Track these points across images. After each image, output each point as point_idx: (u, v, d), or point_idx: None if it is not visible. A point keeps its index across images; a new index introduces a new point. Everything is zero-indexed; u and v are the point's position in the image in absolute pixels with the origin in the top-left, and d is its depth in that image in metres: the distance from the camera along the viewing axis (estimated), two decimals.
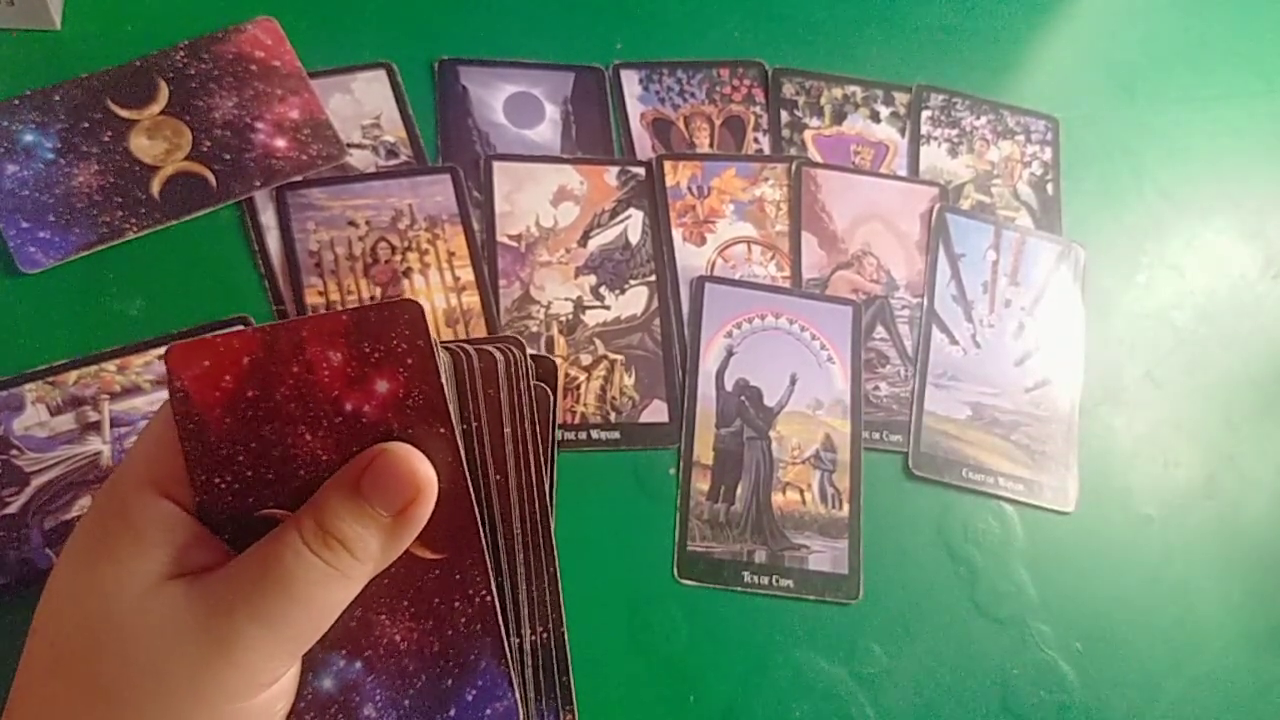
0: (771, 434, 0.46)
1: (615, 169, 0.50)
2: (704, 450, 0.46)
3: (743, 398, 0.47)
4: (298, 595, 0.25)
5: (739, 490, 0.45)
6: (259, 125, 0.47)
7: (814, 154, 0.53)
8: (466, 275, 0.46)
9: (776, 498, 0.45)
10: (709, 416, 0.46)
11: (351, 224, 0.46)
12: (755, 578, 0.44)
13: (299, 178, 0.46)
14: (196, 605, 0.25)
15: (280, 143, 0.47)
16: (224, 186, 0.46)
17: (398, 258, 0.46)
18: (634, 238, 0.49)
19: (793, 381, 0.47)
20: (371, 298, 0.45)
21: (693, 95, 0.53)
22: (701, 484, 0.45)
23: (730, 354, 0.47)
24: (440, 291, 0.46)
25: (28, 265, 0.43)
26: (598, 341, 0.47)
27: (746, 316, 0.48)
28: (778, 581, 0.44)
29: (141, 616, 0.25)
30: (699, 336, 0.47)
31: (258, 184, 0.46)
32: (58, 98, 0.46)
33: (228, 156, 0.46)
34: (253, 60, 0.48)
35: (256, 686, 0.25)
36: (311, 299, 0.45)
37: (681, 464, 0.45)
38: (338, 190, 0.47)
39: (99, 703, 0.25)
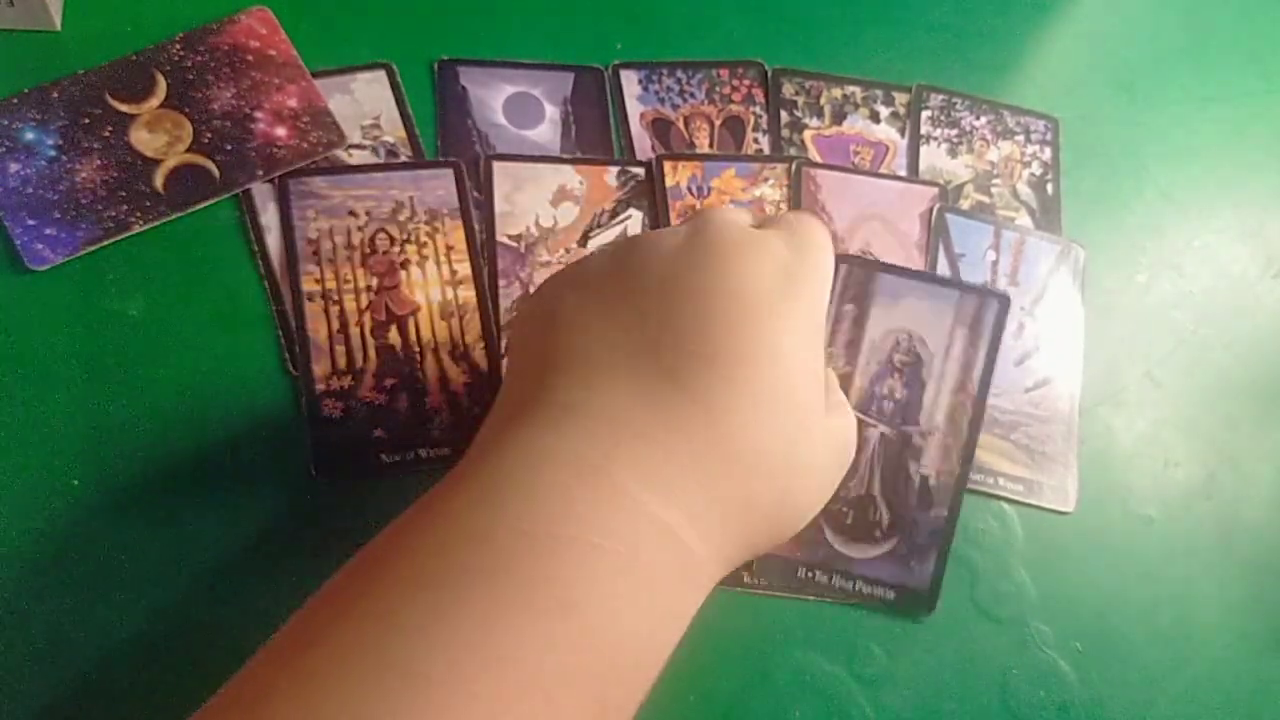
0: None
1: (615, 169, 0.50)
2: None
3: None
4: None
5: None
6: (258, 114, 0.47)
7: (814, 154, 0.53)
8: (463, 269, 0.46)
9: None
10: None
11: (352, 214, 0.46)
12: (755, 578, 0.44)
13: (301, 165, 0.46)
14: None
15: (280, 131, 0.47)
16: (227, 177, 0.46)
17: (396, 249, 0.46)
18: None
19: None
20: (368, 288, 0.45)
21: (692, 95, 0.53)
22: None
23: None
24: (436, 284, 0.46)
25: (35, 262, 0.43)
26: None
27: None
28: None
29: None
30: None
31: (260, 173, 0.46)
32: (56, 95, 0.46)
33: (229, 147, 0.46)
34: (248, 50, 0.48)
35: None
36: (308, 286, 0.45)
37: None
38: (340, 179, 0.47)
39: None
